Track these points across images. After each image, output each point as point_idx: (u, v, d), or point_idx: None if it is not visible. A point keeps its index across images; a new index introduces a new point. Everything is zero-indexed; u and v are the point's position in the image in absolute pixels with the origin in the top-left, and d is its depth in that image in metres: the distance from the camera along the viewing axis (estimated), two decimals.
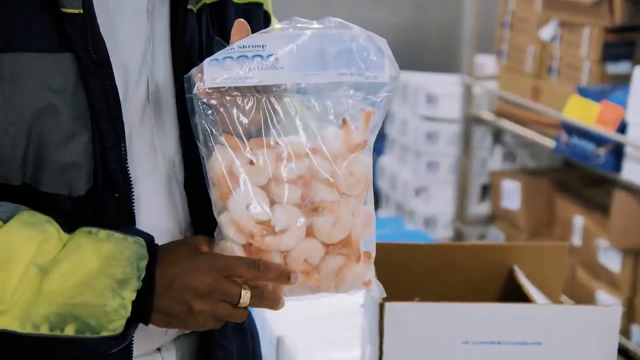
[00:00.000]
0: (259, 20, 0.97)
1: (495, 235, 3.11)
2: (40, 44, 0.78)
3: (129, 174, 0.82)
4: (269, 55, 0.78)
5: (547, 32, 2.74)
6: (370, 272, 0.83)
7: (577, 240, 2.61)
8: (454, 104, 3.25)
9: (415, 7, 4.61)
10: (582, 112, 2.45)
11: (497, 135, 3.28)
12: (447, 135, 3.34)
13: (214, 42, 0.87)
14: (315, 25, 0.81)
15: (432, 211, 3.37)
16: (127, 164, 0.82)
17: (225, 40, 0.87)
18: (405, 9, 4.58)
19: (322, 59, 0.79)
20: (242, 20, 0.81)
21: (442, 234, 3.34)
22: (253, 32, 0.81)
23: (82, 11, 0.78)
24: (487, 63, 3.37)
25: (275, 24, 0.84)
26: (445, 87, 3.40)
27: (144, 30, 0.85)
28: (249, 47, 0.78)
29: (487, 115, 3.10)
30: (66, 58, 0.79)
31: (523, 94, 2.88)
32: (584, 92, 2.50)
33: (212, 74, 0.77)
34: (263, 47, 0.78)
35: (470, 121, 3.15)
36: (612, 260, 2.44)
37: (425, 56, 4.59)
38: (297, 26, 0.80)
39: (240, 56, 0.77)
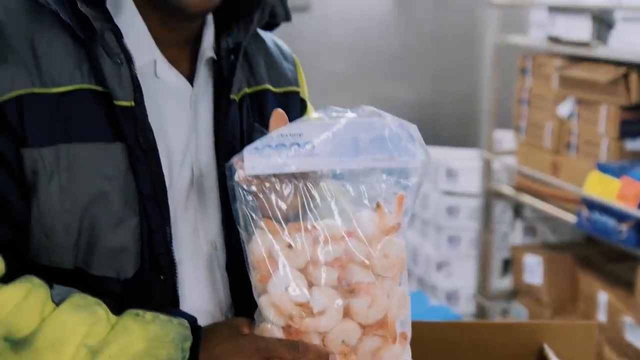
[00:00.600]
0: (296, 106, 1.02)
1: (519, 311, 3.09)
2: (94, 135, 0.83)
3: (174, 256, 0.86)
4: (306, 143, 0.81)
5: (564, 109, 2.80)
6: (406, 353, 0.84)
7: (602, 316, 2.58)
8: (474, 179, 3.29)
9: (432, 84, 4.71)
10: (603, 188, 2.47)
11: (518, 210, 3.29)
12: (467, 210, 3.36)
13: (254, 129, 0.92)
14: (349, 113, 0.84)
15: (454, 285, 3.36)
16: (172, 247, 0.85)
17: (264, 126, 0.92)
18: (423, 85, 4.69)
19: (356, 145, 0.82)
20: (280, 110, 0.85)
21: (464, 308, 3.32)
22: (290, 117, 0.85)
23: (133, 103, 0.84)
24: (505, 138, 3.42)
25: (312, 113, 0.88)
26: (464, 161, 3.45)
27: (188, 118, 0.91)
28: (286, 135, 0.81)
29: (507, 189, 3.13)
30: (118, 147, 0.84)
31: (542, 169, 2.91)
32: (603, 168, 2.53)
33: (252, 161, 0.81)
34: (300, 135, 0.82)
35: (491, 196, 3.17)
36: (638, 338, 2.41)
37: (442, 130, 4.66)
38: (332, 115, 0.84)
39: (279, 144, 0.81)
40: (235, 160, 0.82)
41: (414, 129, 0.86)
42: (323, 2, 4.22)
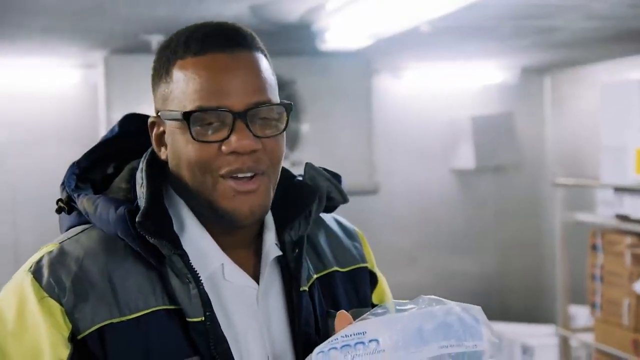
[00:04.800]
0: (365, 281, 1.06)
1: None
2: (172, 352, 0.88)
3: None
4: (370, 341, 0.83)
5: None
6: None
7: None
8: (550, 356, 3.24)
9: (496, 258, 4.76)
10: None
11: None
12: None
13: (328, 315, 0.96)
14: (410, 305, 0.87)
15: None
16: None
17: (336, 307, 0.97)
18: (487, 259, 4.74)
19: (421, 335, 0.84)
20: (344, 311, 0.88)
21: None
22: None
23: (203, 318, 0.89)
24: (579, 314, 3.40)
25: (372, 310, 0.88)
26: (539, 338, 3.41)
27: (256, 315, 0.95)
28: (350, 335, 0.84)
29: None
30: None
31: (623, 347, 2.87)
32: None
33: None
34: (364, 333, 0.84)
35: None
36: None
37: (510, 304, 4.63)
38: (394, 309, 0.86)
39: (344, 345, 0.83)
40: None
41: (477, 311, 0.87)
42: (389, 184, 4.43)
